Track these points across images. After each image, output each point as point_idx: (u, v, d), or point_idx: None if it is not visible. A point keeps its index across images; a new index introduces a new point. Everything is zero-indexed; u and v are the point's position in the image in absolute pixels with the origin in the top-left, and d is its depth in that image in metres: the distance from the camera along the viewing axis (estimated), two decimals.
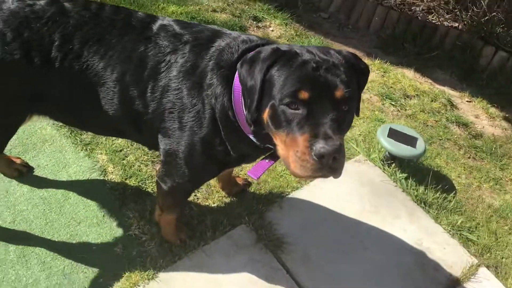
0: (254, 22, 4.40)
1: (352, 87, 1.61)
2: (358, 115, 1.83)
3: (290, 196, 2.83)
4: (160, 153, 2.09)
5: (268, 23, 4.47)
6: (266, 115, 1.63)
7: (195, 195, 2.77)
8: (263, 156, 1.99)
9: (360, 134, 3.36)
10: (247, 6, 4.63)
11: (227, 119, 1.82)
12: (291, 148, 1.57)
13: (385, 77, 4.13)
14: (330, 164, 1.51)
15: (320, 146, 1.49)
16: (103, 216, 2.63)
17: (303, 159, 1.53)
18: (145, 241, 2.53)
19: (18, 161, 2.74)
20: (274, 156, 1.89)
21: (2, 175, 2.71)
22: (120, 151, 2.95)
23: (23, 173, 2.74)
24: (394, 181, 2.99)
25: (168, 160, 2.05)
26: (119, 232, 2.57)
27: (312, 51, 1.65)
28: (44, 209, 2.62)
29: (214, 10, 4.40)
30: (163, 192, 2.22)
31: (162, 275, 2.40)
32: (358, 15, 5.01)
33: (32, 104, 2.06)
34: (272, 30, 4.41)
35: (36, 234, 2.51)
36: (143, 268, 2.41)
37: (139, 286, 2.35)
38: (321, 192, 2.87)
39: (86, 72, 1.92)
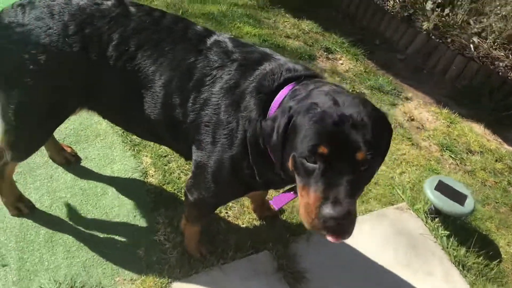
0: (325, 53, 4.38)
1: (376, 148, 1.54)
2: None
3: None
4: (192, 164, 2.11)
5: (339, 56, 4.44)
6: (290, 165, 1.62)
7: (226, 213, 2.77)
8: (289, 187, 1.97)
9: (409, 182, 3.22)
10: (321, 37, 4.63)
11: (257, 144, 1.80)
12: (304, 197, 1.57)
13: (450, 128, 3.95)
14: (334, 228, 1.51)
15: (326, 211, 1.48)
16: (134, 216, 2.69)
17: (310, 215, 1.53)
18: (167, 248, 2.56)
19: (68, 150, 2.88)
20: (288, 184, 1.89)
21: (51, 160, 2.86)
22: (165, 156, 3.01)
23: (71, 162, 2.87)
24: (434, 237, 2.83)
25: (198, 172, 2.07)
26: (145, 235, 2.62)
27: (340, 102, 1.57)
28: (82, 200, 2.72)
29: (288, 36, 4.44)
30: (189, 203, 2.24)
31: (175, 286, 2.41)
32: (435, 61, 4.85)
33: (83, 98, 2.15)
34: (342, 63, 4.37)
35: (68, 223, 2.62)
36: (159, 275, 2.43)
37: None
38: (354, 233, 2.76)
39: (136, 74, 2.00)
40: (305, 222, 1.57)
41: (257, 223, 2.77)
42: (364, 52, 4.60)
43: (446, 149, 3.66)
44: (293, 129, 1.59)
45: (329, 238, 1.57)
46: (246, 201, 2.84)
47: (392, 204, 3.01)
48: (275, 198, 1.96)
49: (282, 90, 1.79)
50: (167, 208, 2.73)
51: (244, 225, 2.74)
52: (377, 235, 2.79)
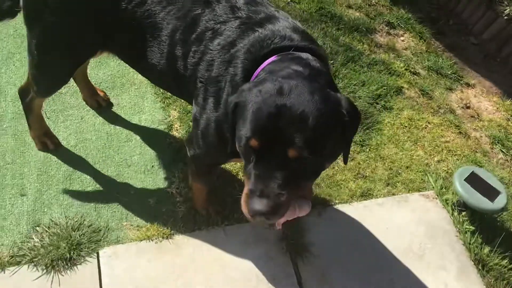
0: (386, 28, 4.14)
1: (317, 145, 1.45)
2: (345, 163, 1.74)
3: (334, 207, 2.66)
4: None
5: (401, 32, 4.18)
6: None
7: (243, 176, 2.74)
8: None
9: (445, 171, 3.01)
10: (387, 11, 4.37)
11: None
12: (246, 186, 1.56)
13: (510, 121, 3.63)
14: (263, 220, 1.51)
15: (252, 204, 1.47)
16: (152, 167, 2.73)
17: (244, 206, 1.54)
18: (177, 202, 2.59)
19: (101, 94, 2.95)
20: None
21: (84, 102, 2.95)
22: None
23: (102, 106, 2.94)
24: (458, 231, 2.65)
25: (193, 126, 2.06)
26: (159, 186, 2.66)
27: (286, 89, 1.47)
28: (105, 144, 2.79)
29: (349, 6, 4.23)
30: (188, 158, 2.24)
31: (177, 238, 2.44)
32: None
33: (101, 39, 2.17)
34: (403, 40, 4.11)
35: (89, 164, 2.71)
36: (164, 226, 2.47)
37: (152, 240, 2.42)
38: (370, 214, 2.65)
39: (146, 20, 1.98)
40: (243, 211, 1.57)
41: None
42: (432, 31, 4.30)
43: (498, 142, 3.38)
44: (238, 114, 1.56)
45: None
46: None
47: (419, 191, 2.84)
48: None
49: (267, 59, 1.71)
50: (185, 164, 2.74)
51: None
52: (394, 220, 2.65)
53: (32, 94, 2.48)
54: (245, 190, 1.55)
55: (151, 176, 2.69)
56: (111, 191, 2.60)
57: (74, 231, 2.39)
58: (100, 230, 2.44)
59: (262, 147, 1.46)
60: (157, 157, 2.79)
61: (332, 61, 3.46)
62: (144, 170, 2.71)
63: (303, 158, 1.44)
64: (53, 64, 2.26)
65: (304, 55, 1.71)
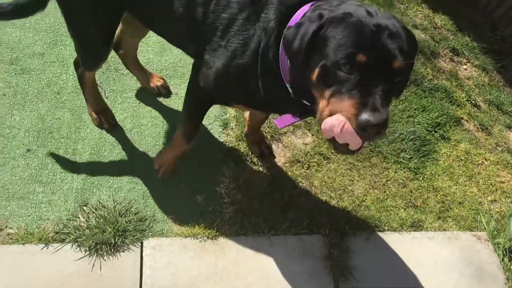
0: (450, 54, 4.03)
1: (411, 60, 1.58)
2: (398, 96, 1.89)
3: (383, 233, 2.59)
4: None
5: (465, 60, 4.07)
6: (315, 75, 1.58)
7: (300, 181, 2.69)
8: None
9: (498, 212, 2.91)
10: (452, 36, 4.26)
11: (268, 58, 1.79)
12: (335, 106, 1.53)
13: None
14: (371, 136, 1.51)
15: (366, 117, 1.45)
16: (203, 163, 2.69)
17: (345, 124, 1.50)
18: (225, 202, 2.54)
19: (160, 81, 2.92)
20: (303, 114, 1.92)
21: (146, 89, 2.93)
22: None
23: (161, 94, 2.91)
24: (506, 279, 2.55)
25: (203, 68, 2.03)
26: (208, 183, 2.61)
27: (373, 12, 1.57)
28: (160, 132, 2.76)
29: (415, 26, 4.13)
30: (185, 100, 2.27)
31: (221, 240, 2.39)
32: None
33: (125, 5, 2.18)
34: (465, 69, 4.01)
35: (141, 150, 2.68)
36: (209, 226, 2.43)
37: (196, 238, 2.38)
38: (419, 247, 2.57)
39: None
40: (328, 129, 1.54)
41: (322, 205, 2.66)
42: (495, 64, 4.18)
43: None
44: (324, 38, 1.55)
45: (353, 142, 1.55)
46: (315, 180, 2.73)
47: (471, 230, 2.75)
48: (279, 118, 1.97)
49: (305, 5, 1.73)
50: (237, 164, 2.70)
51: (307, 203, 2.64)
52: (443, 256, 2.57)
53: (82, 68, 2.50)
54: (329, 108, 1.55)
55: (201, 172, 2.65)
56: (161, 181, 2.56)
57: (121, 217, 2.36)
58: (146, 220, 2.41)
59: (368, 61, 1.48)
60: (208, 154, 2.74)
61: None
62: (194, 165, 2.67)
63: (403, 69, 1.52)
64: (87, 34, 2.27)
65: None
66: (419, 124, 3.19)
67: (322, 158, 2.85)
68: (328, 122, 1.54)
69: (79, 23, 2.23)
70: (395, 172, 2.91)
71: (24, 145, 2.55)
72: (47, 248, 2.22)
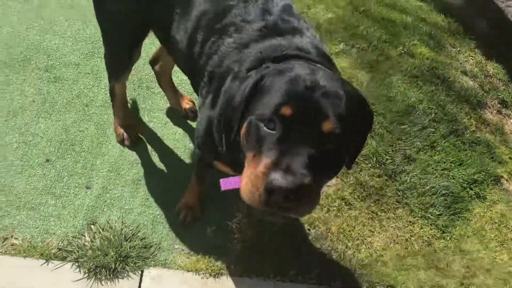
0: (498, 105, 3.80)
1: (348, 126, 1.35)
2: (349, 168, 1.60)
3: None
4: None
5: None
6: (242, 132, 1.44)
7: (309, 229, 2.57)
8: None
9: None
10: (503, 87, 4.03)
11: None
12: (250, 167, 1.35)
13: None
14: (280, 203, 1.27)
15: (274, 177, 1.25)
16: (219, 194, 2.60)
17: (254, 184, 1.29)
18: (235, 238, 2.45)
19: (189, 104, 2.88)
20: None
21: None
22: None
23: (188, 117, 2.87)
24: None
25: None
26: (221, 216, 2.53)
27: (317, 72, 1.42)
28: (182, 156, 2.72)
29: (465, 73, 3.93)
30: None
31: (224, 279, 2.31)
32: None
33: (149, 20, 2.16)
34: None
35: (160, 173, 2.63)
36: (214, 262, 2.35)
37: (199, 274, 2.30)
38: None
39: None
40: (244, 193, 1.34)
41: (336, 254, 2.53)
42: None
43: None
44: (260, 90, 1.43)
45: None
46: (333, 226, 2.61)
47: None
48: (224, 179, 1.71)
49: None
50: None
51: (320, 249, 2.51)
52: None
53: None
54: (248, 171, 1.34)
55: (215, 204, 2.57)
56: (173, 208, 2.50)
57: (126, 241, 2.31)
58: (151, 247, 2.35)
59: (293, 116, 1.31)
60: None
61: (433, 130, 3.21)
62: (210, 195, 2.59)
63: (335, 135, 1.32)
64: (113, 43, 2.31)
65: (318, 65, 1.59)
66: (453, 178, 3.01)
67: (343, 204, 2.72)
68: (244, 189, 1.35)
69: (107, 31, 2.28)
70: (421, 228, 2.74)
71: (44, 154, 2.56)
72: (47, 265, 2.20)
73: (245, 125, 1.43)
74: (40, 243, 2.26)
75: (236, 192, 2.49)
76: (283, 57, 1.61)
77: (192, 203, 2.47)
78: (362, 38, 3.84)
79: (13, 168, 2.48)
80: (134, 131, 2.69)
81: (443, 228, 2.77)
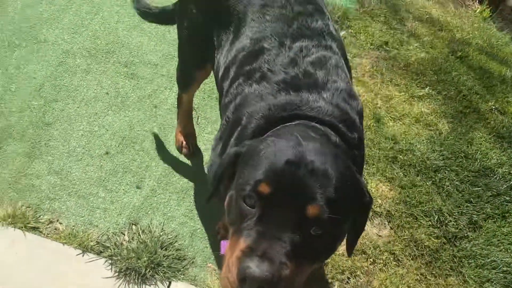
0: None
1: (338, 213, 1.17)
2: (349, 255, 1.50)
3: None
4: None
5: None
6: (225, 203, 1.34)
7: (358, 274, 2.44)
8: None
9: None
10: None
11: None
12: (230, 251, 1.22)
13: None
14: None
15: (247, 265, 1.11)
16: None
17: (229, 271, 1.17)
18: None
19: None
20: None
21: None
22: None
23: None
24: None
25: None
26: None
27: (305, 144, 1.25)
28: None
29: None
30: None
31: None
32: None
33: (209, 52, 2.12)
34: None
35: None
36: None
37: None
38: None
39: (234, 18, 1.88)
40: (221, 281, 1.24)
41: None
42: None
43: None
44: (241, 164, 1.32)
45: None
46: (375, 280, 2.45)
47: None
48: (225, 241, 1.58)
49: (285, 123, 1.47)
50: None
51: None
52: None
53: None
54: (235, 253, 1.20)
55: None
56: (215, 224, 2.48)
57: (161, 249, 2.31)
58: (185, 260, 2.33)
59: (272, 196, 1.18)
60: None
61: (508, 198, 2.95)
62: None
63: (321, 220, 1.16)
64: (183, 56, 2.34)
65: (329, 131, 1.44)
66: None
67: (392, 258, 2.56)
68: (222, 274, 1.24)
69: (180, 46, 2.31)
70: None
71: (106, 147, 2.63)
72: (83, 256, 2.25)
73: (227, 197, 1.33)
74: (81, 233, 2.31)
75: None
76: (291, 116, 1.49)
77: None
78: (452, 85, 3.62)
79: (74, 155, 2.57)
80: (193, 141, 2.70)
81: None
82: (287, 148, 1.24)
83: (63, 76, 2.84)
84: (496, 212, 2.88)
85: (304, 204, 1.16)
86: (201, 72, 2.32)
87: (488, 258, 2.67)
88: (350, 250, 1.48)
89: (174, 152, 2.68)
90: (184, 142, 2.67)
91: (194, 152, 2.71)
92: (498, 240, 2.76)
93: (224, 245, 1.52)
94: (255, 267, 1.10)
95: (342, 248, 2.52)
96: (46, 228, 2.31)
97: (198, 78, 2.36)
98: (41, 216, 2.34)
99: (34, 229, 2.30)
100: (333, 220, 1.17)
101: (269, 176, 1.20)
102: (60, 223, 2.34)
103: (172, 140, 2.72)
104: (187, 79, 2.41)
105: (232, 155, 1.37)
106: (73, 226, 2.34)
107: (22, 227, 2.28)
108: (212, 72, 2.20)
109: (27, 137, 2.58)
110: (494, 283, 2.59)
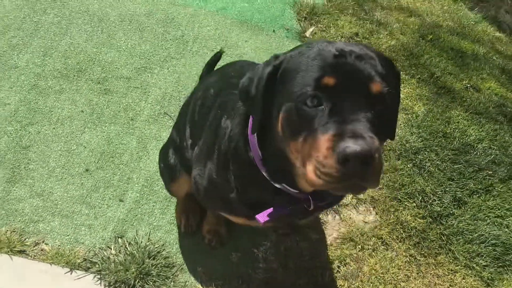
0: None
1: (391, 86, 1.26)
2: (393, 138, 1.47)
3: None
4: None
5: None
6: (280, 126, 1.31)
7: (338, 266, 2.45)
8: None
9: None
10: None
11: (236, 148, 1.60)
12: (310, 154, 1.19)
13: None
14: (358, 171, 1.12)
15: (345, 145, 1.11)
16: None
17: (325, 163, 1.14)
18: (259, 268, 2.39)
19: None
20: (290, 202, 1.56)
21: None
22: None
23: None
24: None
25: None
26: (248, 243, 2.48)
27: (342, 44, 1.31)
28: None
29: None
30: None
31: None
32: None
33: None
34: None
35: None
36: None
37: None
38: None
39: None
40: (314, 177, 1.18)
41: None
42: None
43: None
44: (282, 77, 1.33)
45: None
46: (365, 266, 2.47)
47: None
48: (262, 213, 1.59)
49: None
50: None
51: None
52: None
53: None
54: (300, 158, 1.25)
55: (245, 229, 2.51)
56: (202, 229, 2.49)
57: (149, 259, 2.31)
58: (174, 267, 2.34)
59: (338, 85, 1.21)
60: None
61: (490, 172, 2.98)
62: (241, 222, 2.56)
63: (382, 95, 1.23)
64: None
65: None
66: (507, 228, 2.76)
67: (380, 243, 2.58)
68: (308, 170, 1.21)
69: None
70: (463, 278, 2.53)
71: (85, 164, 2.63)
72: (71, 274, 2.24)
73: (281, 116, 1.30)
74: (68, 251, 2.31)
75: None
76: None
77: (216, 228, 2.43)
78: (425, 68, 3.67)
79: (54, 175, 2.57)
80: (222, 233, 2.48)
81: (488, 281, 2.55)
82: (324, 48, 1.29)
83: (36, 99, 2.84)
84: (480, 187, 2.91)
85: (366, 83, 1.22)
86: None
87: (476, 233, 2.69)
88: (393, 132, 1.49)
89: (155, 161, 2.69)
90: (210, 231, 2.49)
91: (220, 243, 2.49)
92: (484, 214, 2.79)
93: (262, 214, 1.56)
94: (353, 144, 1.11)
95: (330, 238, 2.56)
96: (33, 250, 2.31)
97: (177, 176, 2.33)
98: (27, 239, 2.34)
99: (21, 252, 2.29)
100: (390, 93, 1.25)
101: (327, 70, 1.24)
102: (46, 244, 2.34)
103: (151, 150, 2.73)
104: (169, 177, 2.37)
105: (270, 70, 1.36)
106: (59, 245, 2.34)
107: (8, 252, 2.27)
108: None
109: (6, 163, 2.58)
110: (484, 257, 2.62)
